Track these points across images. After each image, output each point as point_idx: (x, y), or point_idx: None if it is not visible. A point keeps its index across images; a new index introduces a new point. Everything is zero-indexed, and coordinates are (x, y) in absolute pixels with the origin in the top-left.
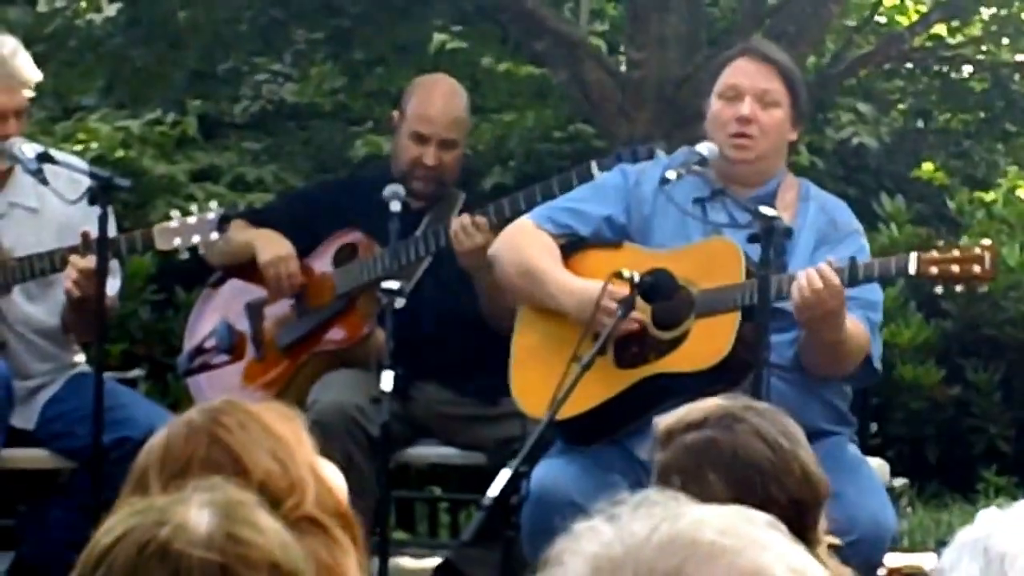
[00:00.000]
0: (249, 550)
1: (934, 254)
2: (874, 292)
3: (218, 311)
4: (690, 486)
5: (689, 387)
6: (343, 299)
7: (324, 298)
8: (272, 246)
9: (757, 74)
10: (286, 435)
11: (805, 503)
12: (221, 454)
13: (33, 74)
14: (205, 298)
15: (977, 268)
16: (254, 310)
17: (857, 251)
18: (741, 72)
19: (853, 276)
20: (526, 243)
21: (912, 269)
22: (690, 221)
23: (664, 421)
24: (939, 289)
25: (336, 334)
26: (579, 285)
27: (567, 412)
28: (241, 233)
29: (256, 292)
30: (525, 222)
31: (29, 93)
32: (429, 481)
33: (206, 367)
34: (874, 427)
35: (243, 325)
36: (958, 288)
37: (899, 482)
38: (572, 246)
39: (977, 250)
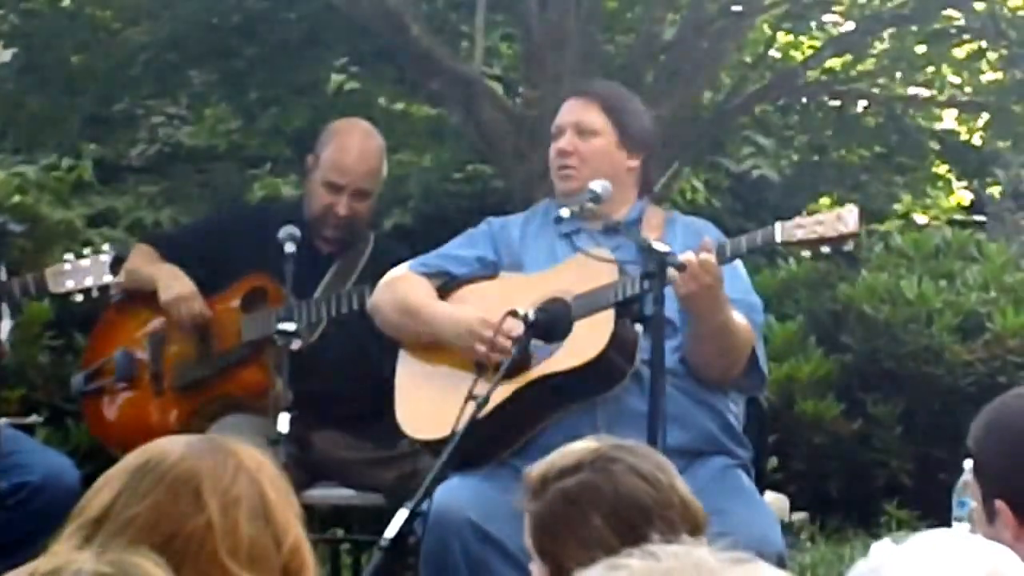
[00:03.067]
0: (138, 571)
1: (798, 220)
2: (752, 294)
3: (120, 336)
4: (573, 532)
5: (571, 388)
6: (249, 346)
7: (229, 342)
8: (175, 284)
9: (575, 109)
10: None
11: (688, 533)
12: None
13: None
14: (107, 320)
15: (842, 227)
16: (156, 342)
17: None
18: (564, 111)
19: (722, 253)
20: (402, 286)
21: (779, 237)
22: (559, 248)
23: (535, 470)
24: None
25: (240, 381)
26: (457, 315)
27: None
28: (145, 264)
29: (158, 321)
30: (400, 270)
31: None
32: (331, 523)
33: (102, 392)
34: (774, 462)
35: (144, 354)
36: (824, 249)
37: (799, 516)
38: (448, 285)
39: (841, 210)
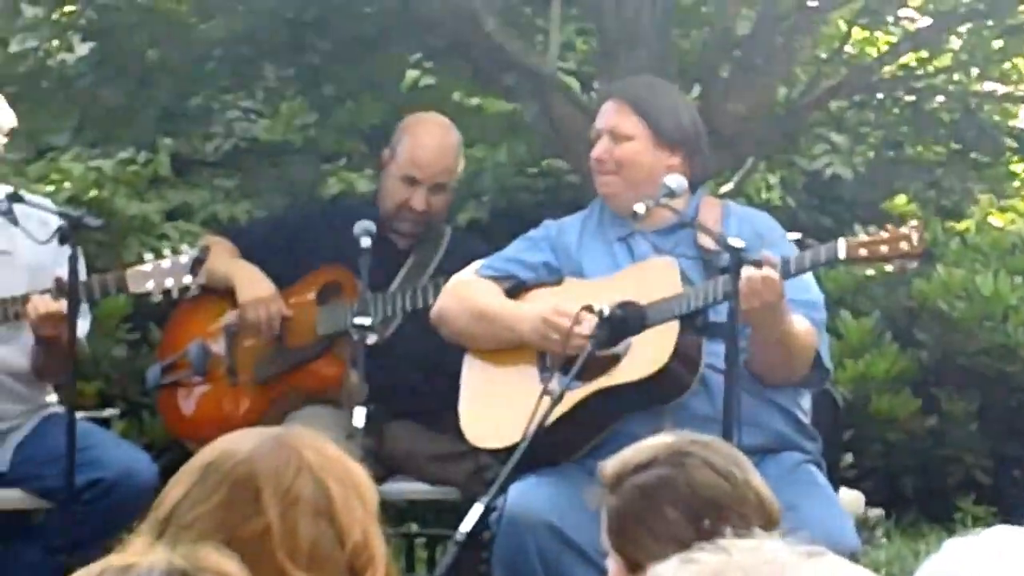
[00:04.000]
0: (209, 563)
1: (862, 237)
2: (813, 292)
3: (194, 328)
4: (648, 526)
5: (637, 398)
6: (324, 340)
7: (305, 336)
8: (253, 286)
9: (608, 112)
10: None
11: (763, 528)
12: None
13: (6, 119)
14: (182, 312)
15: (905, 245)
16: (232, 335)
17: (786, 254)
18: (600, 115)
19: (785, 270)
20: (471, 291)
21: (842, 254)
22: (618, 253)
23: (609, 466)
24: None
25: (315, 375)
26: (534, 310)
27: (517, 437)
28: (222, 263)
29: (233, 314)
30: (465, 275)
31: (2, 139)
32: (406, 518)
33: (177, 385)
34: (849, 458)
35: (219, 347)
36: (889, 268)
37: (874, 512)
38: (514, 289)
39: (904, 229)
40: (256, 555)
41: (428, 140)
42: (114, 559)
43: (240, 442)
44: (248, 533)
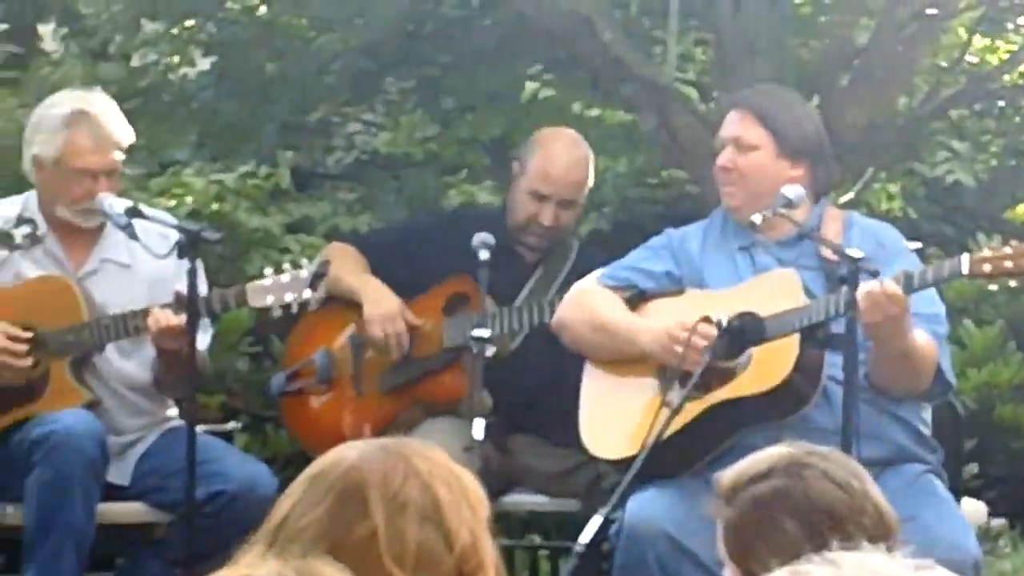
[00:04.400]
0: (319, 572)
1: (986, 252)
2: (936, 305)
3: (320, 336)
4: (765, 537)
5: (757, 411)
6: (450, 352)
7: (431, 347)
8: (380, 302)
9: (734, 122)
10: (477, 506)
11: (881, 540)
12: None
13: (125, 135)
14: (308, 319)
15: None
16: (357, 345)
17: (908, 266)
18: (724, 124)
19: (908, 284)
20: (592, 301)
21: (965, 269)
22: (740, 263)
23: (725, 477)
24: None
25: (439, 386)
26: (654, 326)
27: (636, 448)
28: (347, 274)
29: (359, 323)
30: (586, 284)
31: (120, 155)
32: (529, 530)
33: (301, 392)
34: (973, 469)
35: (344, 356)
36: (1012, 284)
37: (997, 522)
38: (635, 298)
39: None
40: (363, 559)
41: (558, 155)
42: (225, 572)
43: (347, 451)
44: (355, 538)
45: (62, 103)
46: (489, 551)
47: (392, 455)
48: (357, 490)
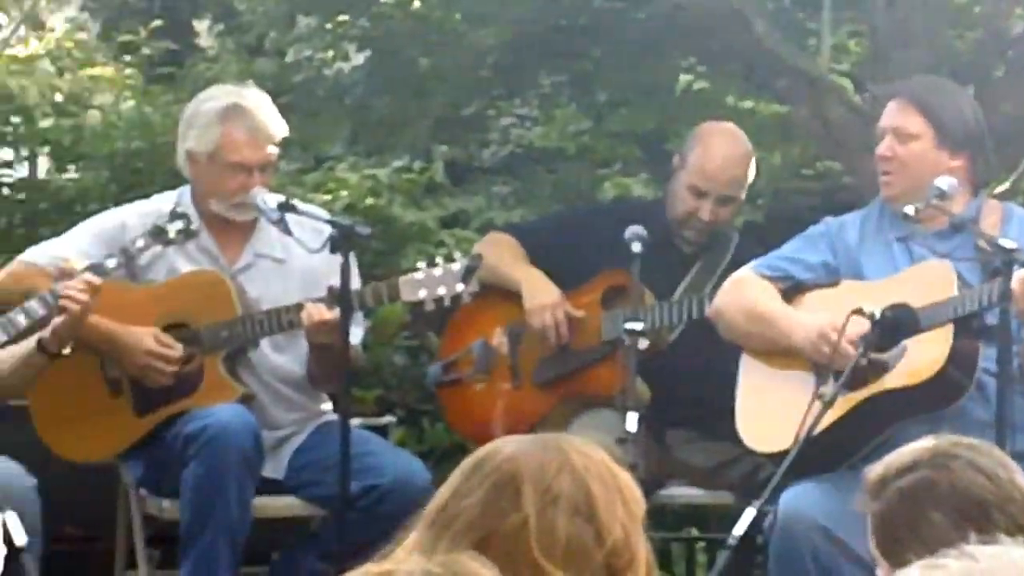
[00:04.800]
0: (466, 569)
1: None
2: None
3: (478, 327)
4: (913, 530)
5: (912, 403)
6: (607, 344)
7: (588, 339)
8: (540, 293)
9: (894, 112)
10: (632, 502)
11: None
12: (584, 504)
13: (279, 129)
14: (466, 310)
15: None
16: (515, 336)
17: None
18: (884, 114)
19: None
20: (749, 291)
21: None
22: (897, 254)
23: (872, 472)
24: None
25: (596, 379)
26: (808, 320)
27: (792, 441)
28: (506, 264)
29: (518, 314)
30: (743, 273)
31: (274, 149)
32: (686, 522)
33: (458, 383)
34: None
35: (502, 347)
36: None
37: None
38: (791, 289)
39: None
40: (513, 549)
41: (718, 152)
42: (372, 567)
43: (504, 443)
44: (506, 528)
45: (216, 98)
46: (642, 549)
47: (549, 449)
48: (511, 481)
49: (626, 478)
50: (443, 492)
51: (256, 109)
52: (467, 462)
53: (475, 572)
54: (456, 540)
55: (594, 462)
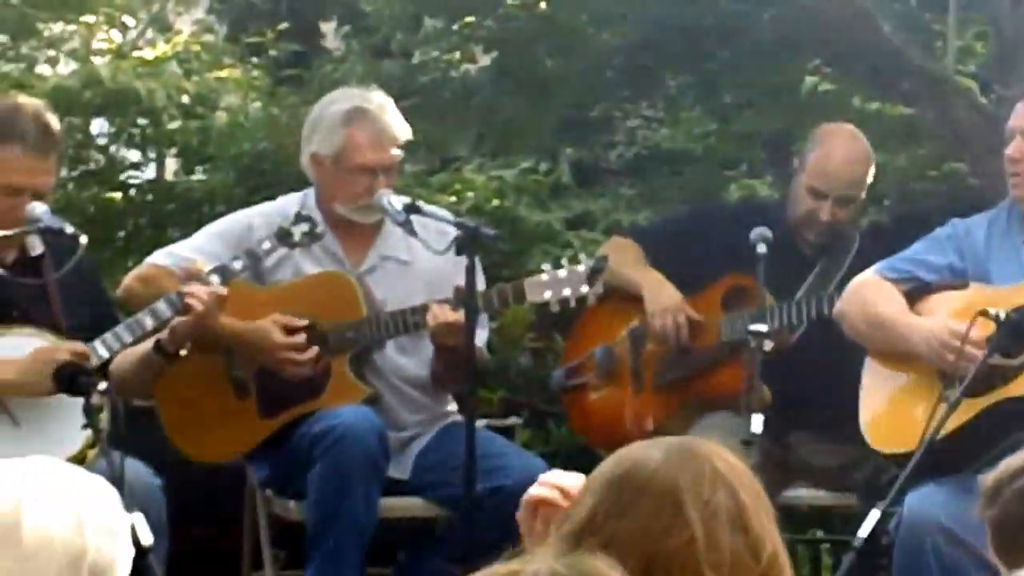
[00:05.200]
0: (594, 570)
1: None
2: None
3: (600, 331)
4: None
5: None
6: (728, 346)
7: (708, 341)
8: (661, 296)
9: (1022, 113)
10: (770, 511)
11: None
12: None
13: (403, 132)
14: (588, 315)
15: None
16: (636, 339)
17: None
18: (1014, 115)
19: None
20: (871, 294)
21: None
22: None
23: (988, 478)
24: None
25: (717, 381)
26: (928, 324)
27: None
28: (628, 268)
29: (639, 318)
30: (866, 276)
31: (398, 151)
32: (811, 524)
33: (581, 388)
34: None
35: (624, 351)
36: None
37: None
38: (917, 291)
39: None
40: (681, 570)
41: (836, 152)
42: (498, 568)
43: (650, 452)
44: (672, 547)
45: (340, 101)
46: (786, 558)
47: (696, 458)
48: (670, 496)
49: (758, 483)
50: (583, 507)
51: (380, 112)
52: (610, 473)
53: (601, 572)
54: (621, 561)
55: (738, 469)
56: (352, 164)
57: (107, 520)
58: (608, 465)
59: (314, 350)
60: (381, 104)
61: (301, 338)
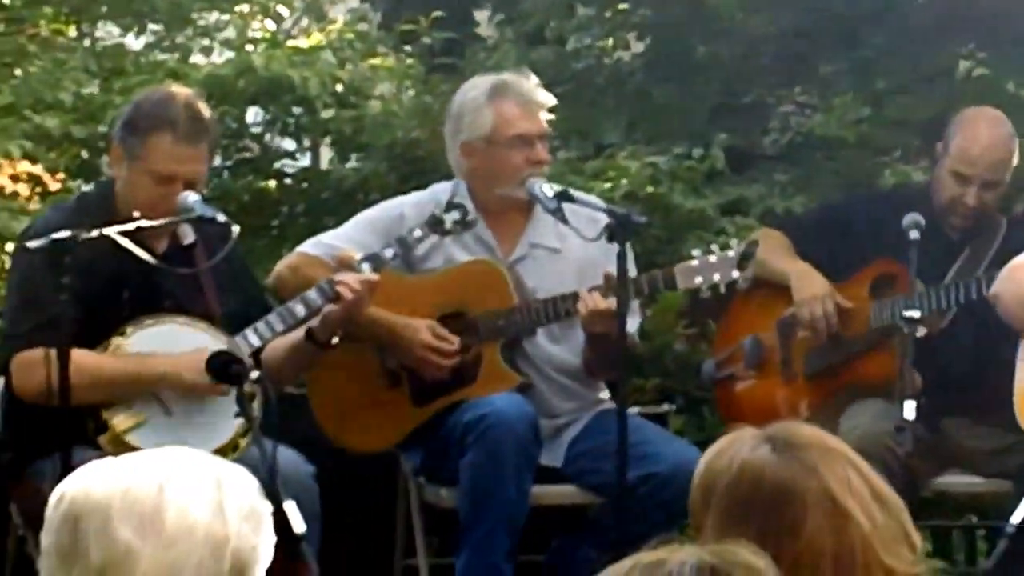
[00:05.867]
0: (740, 558)
1: None
2: None
3: (748, 322)
4: None
5: None
6: (877, 333)
7: (857, 328)
8: (809, 284)
9: None
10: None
11: None
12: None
13: (547, 98)
14: (737, 305)
15: None
16: (785, 328)
17: None
18: None
19: None
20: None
21: None
22: None
23: None
24: None
25: (867, 368)
26: None
27: None
28: (778, 255)
29: (788, 308)
30: (1022, 259)
31: (548, 117)
32: (966, 510)
33: (731, 379)
34: None
35: (773, 341)
36: None
37: None
38: None
39: None
40: (862, 563)
41: (978, 136)
42: (644, 555)
43: (769, 463)
44: (850, 542)
45: (477, 85)
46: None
47: (830, 452)
48: (827, 497)
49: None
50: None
51: (521, 82)
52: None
53: (749, 562)
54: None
55: (849, 451)
56: (506, 137)
57: (248, 507)
58: (707, 471)
59: (455, 359)
60: (518, 77)
61: (449, 345)
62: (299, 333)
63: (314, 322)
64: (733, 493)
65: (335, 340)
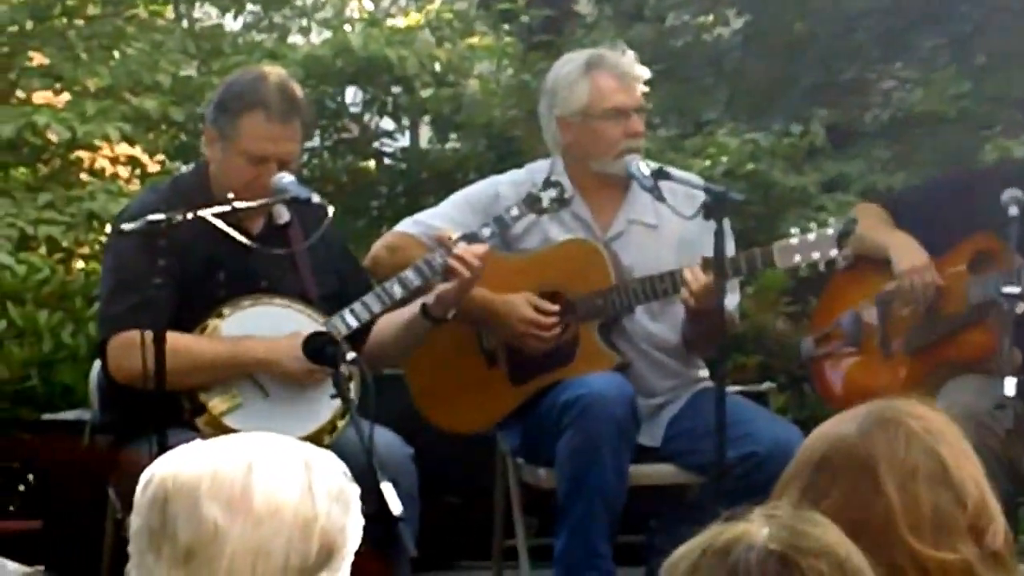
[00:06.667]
0: (809, 541)
1: None
2: None
3: (847, 299)
4: None
5: None
6: (976, 309)
7: (956, 305)
8: (908, 255)
9: None
10: (973, 458)
11: None
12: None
13: (642, 70)
14: (836, 282)
15: None
16: (884, 305)
17: None
18: None
19: None
20: None
21: None
22: None
23: None
24: None
25: (966, 345)
26: None
27: None
28: (876, 231)
29: (887, 285)
30: None
31: (644, 89)
32: None
33: (830, 356)
34: None
35: (871, 318)
36: None
37: None
38: None
39: None
40: (881, 537)
41: None
42: (712, 536)
43: (843, 428)
44: (872, 516)
45: (571, 60)
46: (994, 501)
47: (889, 423)
48: (866, 467)
49: (959, 431)
50: (796, 492)
51: (615, 55)
52: (808, 458)
53: (821, 536)
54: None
55: (933, 423)
56: (602, 109)
57: (337, 488)
58: (807, 447)
59: (557, 329)
60: (613, 51)
61: (550, 319)
62: (412, 309)
63: (429, 297)
64: (798, 456)
65: (450, 316)
